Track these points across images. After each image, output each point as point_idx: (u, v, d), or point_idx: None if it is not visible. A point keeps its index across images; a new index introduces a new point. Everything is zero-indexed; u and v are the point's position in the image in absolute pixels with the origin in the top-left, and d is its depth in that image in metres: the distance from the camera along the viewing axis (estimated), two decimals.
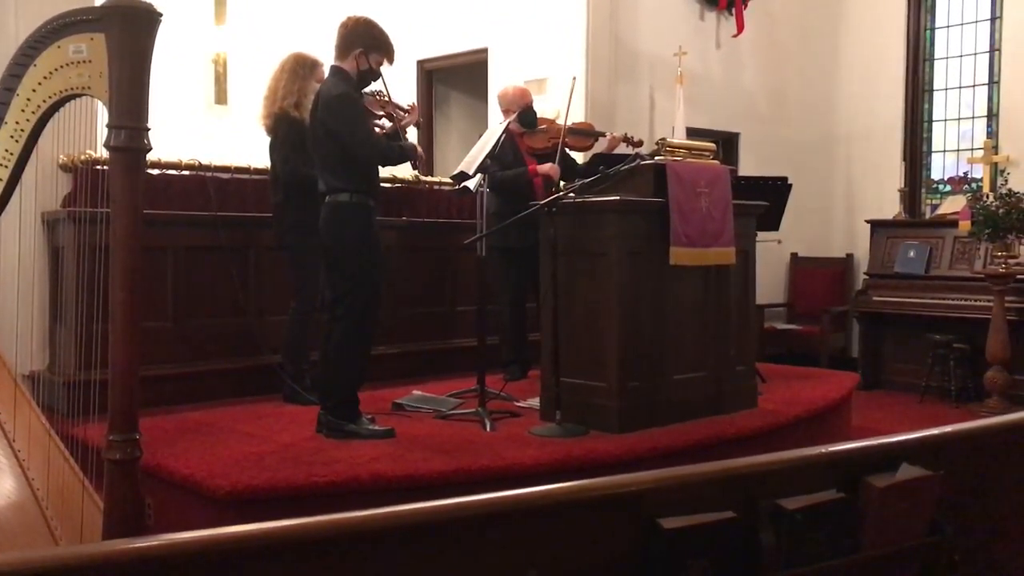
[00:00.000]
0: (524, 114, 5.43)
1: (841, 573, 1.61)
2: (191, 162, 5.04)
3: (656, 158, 4.49)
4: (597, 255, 4.32)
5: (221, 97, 7.77)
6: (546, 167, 5.39)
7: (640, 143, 5.04)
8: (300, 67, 4.88)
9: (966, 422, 1.83)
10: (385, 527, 1.25)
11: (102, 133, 2.70)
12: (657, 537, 1.44)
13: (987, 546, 1.81)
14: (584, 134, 5.41)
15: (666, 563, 1.44)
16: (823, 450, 1.61)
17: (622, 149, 5.53)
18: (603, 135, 5.60)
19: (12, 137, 2.78)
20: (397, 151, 4.32)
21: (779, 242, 5.72)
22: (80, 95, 2.73)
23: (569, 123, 5.46)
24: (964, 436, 1.76)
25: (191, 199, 5.06)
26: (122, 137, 2.62)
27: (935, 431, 1.71)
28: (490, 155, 4.57)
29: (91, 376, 3.00)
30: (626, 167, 4.34)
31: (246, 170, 5.26)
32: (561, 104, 5.66)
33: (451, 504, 1.29)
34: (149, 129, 2.67)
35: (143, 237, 2.69)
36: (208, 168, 5.09)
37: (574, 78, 5.61)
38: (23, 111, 2.76)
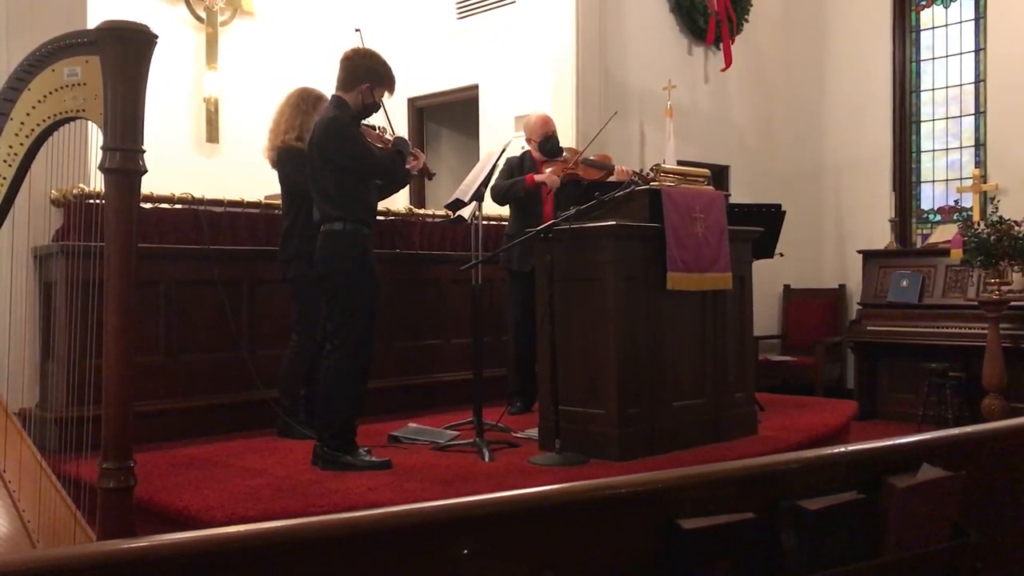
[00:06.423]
0: (544, 142, 5.43)
1: None
2: (183, 195, 5.00)
3: (651, 184, 4.49)
4: (593, 280, 4.29)
5: (213, 135, 7.77)
6: (544, 175, 5.30)
7: (651, 179, 4.95)
8: (303, 102, 4.87)
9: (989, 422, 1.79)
10: (397, 526, 1.21)
11: (94, 164, 2.66)
12: (676, 538, 1.39)
13: (1013, 552, 1.76)
14: (597, 166, 5.38)
15: (686, 564, 1.39)
16: (843, 449, 1.57)
17: None
18: (613, 169, 5.53)
19: (5, 161, 2.74)
20: (399, 159, 4.29)
21: (781, 254, 5.73)
22: (74, 118, 2.70)
23: (590, 155, 5.45)
24: (987, 436, 1.73)
25: (184, 233, 5.01)
26: (117, 159, 2.59)
27: (956, 431, 1.68)
28: (485, 182, 4.56)
29: (83, 412, 2.93)
30: (621, 193, 4.34)
31: (239, 203, 5.22)
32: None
33: (465, 503, 1.24)
34: (144, 151, 2.64)
35: (136, 267, 2.65)
36: (200, 202, 5.04)
37: (615, 112, 5.78)
38: (16, 135, 2.72)
